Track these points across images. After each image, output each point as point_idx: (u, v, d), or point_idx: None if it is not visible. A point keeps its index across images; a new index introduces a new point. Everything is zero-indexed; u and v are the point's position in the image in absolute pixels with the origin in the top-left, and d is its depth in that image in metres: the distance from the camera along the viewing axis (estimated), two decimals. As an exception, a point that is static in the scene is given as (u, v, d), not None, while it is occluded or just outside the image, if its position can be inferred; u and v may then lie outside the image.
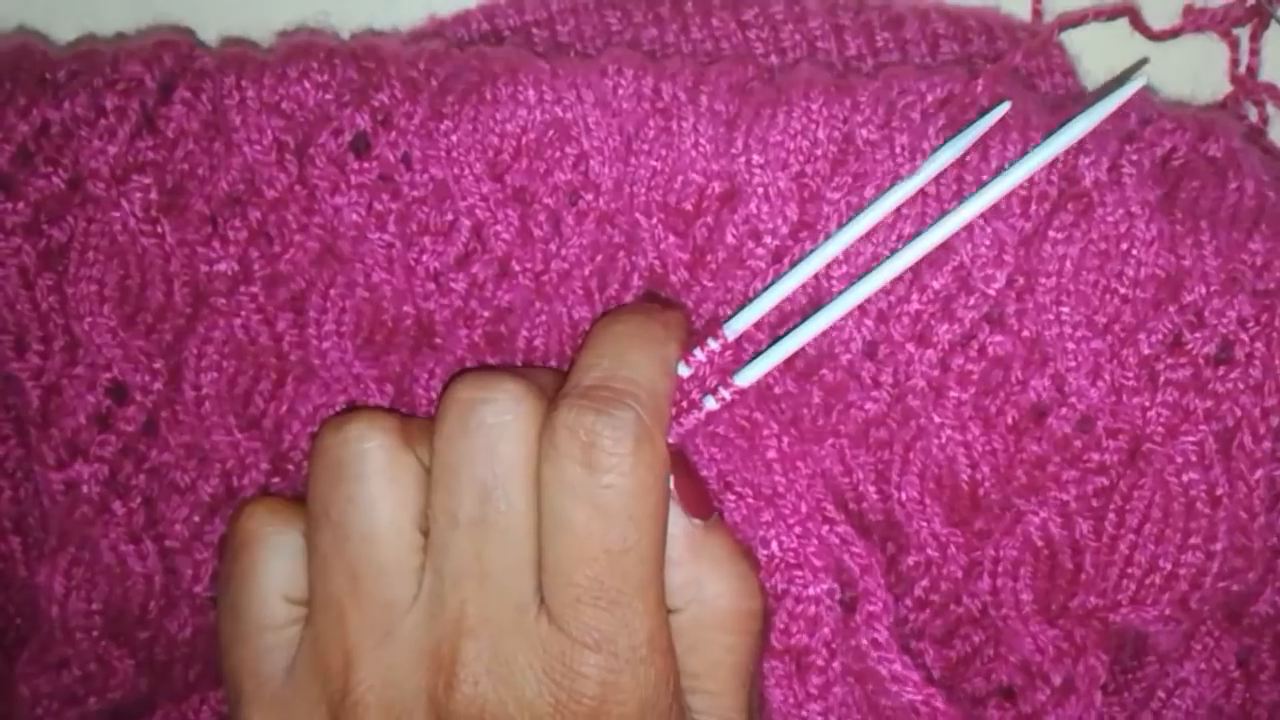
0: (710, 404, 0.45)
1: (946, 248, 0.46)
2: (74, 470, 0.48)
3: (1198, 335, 0.45)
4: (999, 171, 0.45)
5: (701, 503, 0.44)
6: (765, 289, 0.46)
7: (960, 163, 0.45)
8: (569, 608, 0.40)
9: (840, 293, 0.46)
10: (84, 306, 0.48)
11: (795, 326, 0.46)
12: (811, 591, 0.45)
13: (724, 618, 0.44)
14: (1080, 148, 0.45)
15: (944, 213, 0.45)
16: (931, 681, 0.47)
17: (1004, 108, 0.45)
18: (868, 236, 0.46)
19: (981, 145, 0.45)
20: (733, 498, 0.46)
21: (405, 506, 0.42)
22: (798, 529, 0.46)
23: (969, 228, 0.46)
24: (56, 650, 0.49)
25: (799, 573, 0.45)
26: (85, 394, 0.48)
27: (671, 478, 0.43)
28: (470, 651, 0.41)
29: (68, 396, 0.48)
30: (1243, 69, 0.51)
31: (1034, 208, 0.46)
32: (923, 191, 0.46)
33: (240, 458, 0.50)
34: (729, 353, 0.46)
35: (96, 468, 0.48)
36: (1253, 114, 0.51)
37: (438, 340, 0.49)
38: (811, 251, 0.46)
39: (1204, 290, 0.45)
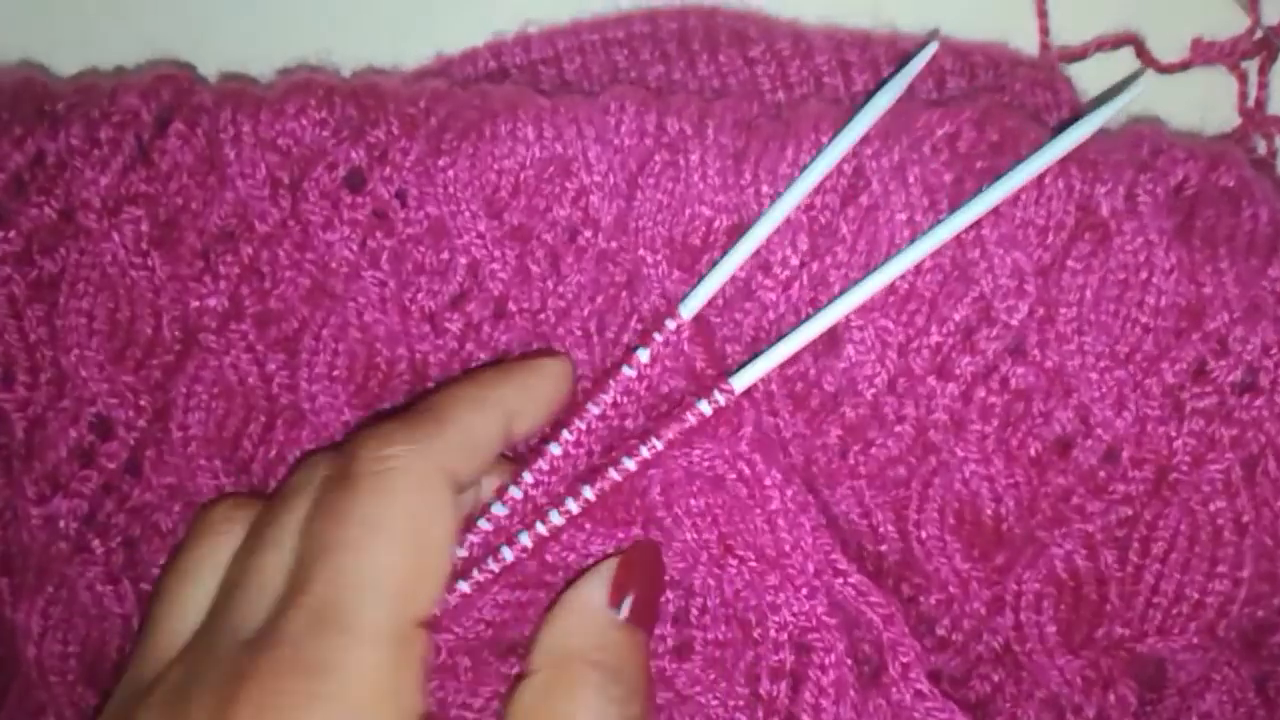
0: (704, 408, 0.44)
1: (966, 279, 0.45)
2: (53, 505, 0.47)
3: (1223, 363, 0.45)
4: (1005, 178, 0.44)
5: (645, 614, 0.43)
6: (716, 265, 0.46)
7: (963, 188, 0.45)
8: None
9: (838, 295, 0.45)
10: (72, 338, 0.46)
11: (792, 330, 0.45)
12: (832, 658, 0.44)
13: None
14: (1096, 177, 0.44)
15: (949, 213, 0.45)
16: None
17: (933, 48, 0.45)
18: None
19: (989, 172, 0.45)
20: (734, 562, 0.45)
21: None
22: (805, 590, 0.44)
23: (988, 258, 0.45)
24: (34, 696, 0.47)
25: (816, 636, 0.44)
26: (68, 427, 0.47)
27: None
28: None
29: (51, 429, 0.47)
30: (1251, 102, 0.51)
31: (1051, 238, 0.45)
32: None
33: (225, 503, 0.48)
34: (685, 334, 0.45)
35: (75, 503, 0.47)
36: (1261, 147, 0.51)
37: (431, 385, 0.48)
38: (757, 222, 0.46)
39: (1227, 318, 0.44)
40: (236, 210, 0.46)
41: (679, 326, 0.45)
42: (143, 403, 0.47)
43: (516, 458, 0.47)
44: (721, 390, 0.44)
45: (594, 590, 0.41)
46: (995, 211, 0.45)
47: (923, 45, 0.46)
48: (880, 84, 0.45)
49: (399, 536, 0.38)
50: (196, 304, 0.47)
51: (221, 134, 0.46)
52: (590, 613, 0.41)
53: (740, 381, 0.45)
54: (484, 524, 0.44)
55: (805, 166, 0.45)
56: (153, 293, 0.47)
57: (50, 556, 0.47)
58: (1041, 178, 0.45)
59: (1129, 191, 0.45)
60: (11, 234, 0.46)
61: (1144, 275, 0.45)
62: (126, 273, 0.46)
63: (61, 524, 0.47)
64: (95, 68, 0.50)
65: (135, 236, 0.46)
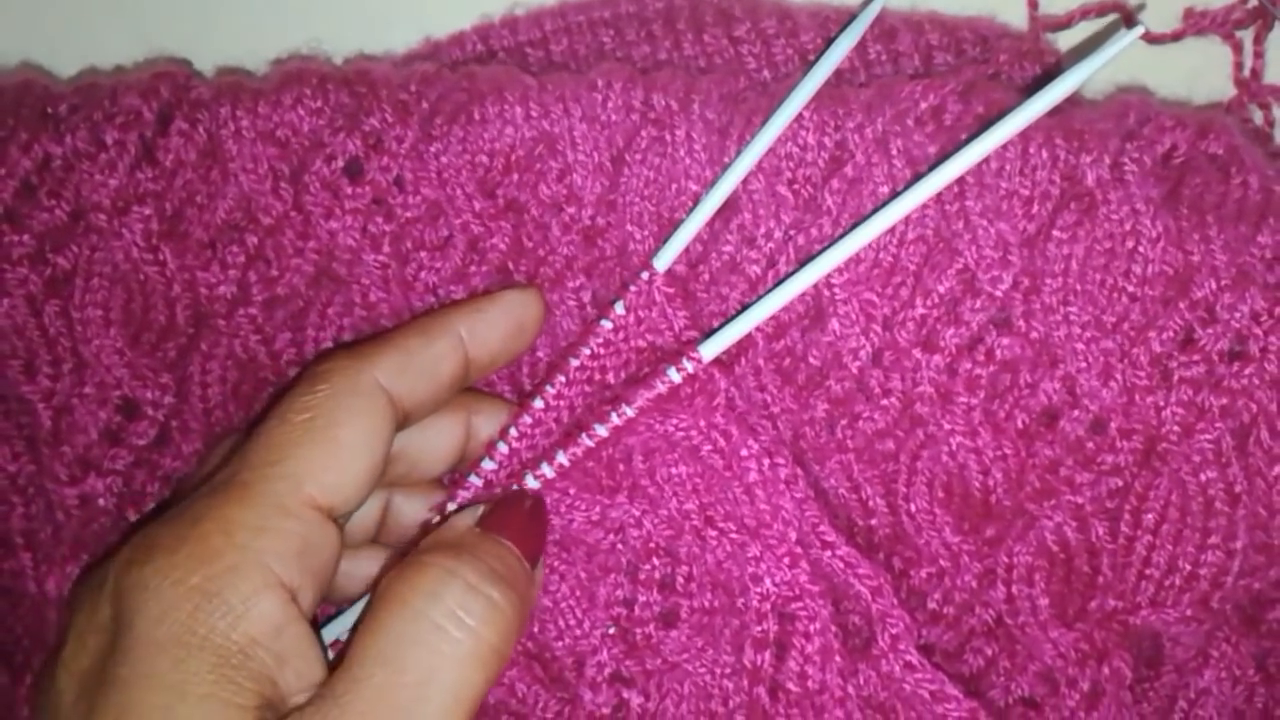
0: (673, 376, 0.45)
1: (950, 251, 0.45)
2: (88, 485, 0.49)
3: (1210, 331, 0.44)
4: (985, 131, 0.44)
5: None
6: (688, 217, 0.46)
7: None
8: None
9: (811, 257, 0.45)
10: (91, 330, 0.48)
11: (762, 296, 0.45)
12: (816, 625, 0.44)
13: None
14: (1082, 146, 0.44)
15: (927, 170, 0.45)
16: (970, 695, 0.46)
17: (879, 4, 0.46)
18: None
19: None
20: (715, 533, 0.45)
21: None
22: (787, 559, 0.45)
23: (972, 230, 0.45)
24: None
25: (800, 605, 0.44)
26: (96, 411, 0.49)
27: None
28: None
29: (78, 415, 0.49)
30: (1246, 72, 0.50)
31: (1036, 208, 0.45)
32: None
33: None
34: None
35: (111, 480, 0.49)
36: (1258, 117, 0.51)
37: None
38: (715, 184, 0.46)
39: (1214, 285, 0.44)
40: (240, 203, 0.48)
41: (651, 278, 0.46)
42: (164, 380, 0.49)
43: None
44: (690, 358, 0.45)
45: (459, 517, 0.43)
46: (979, 182, 0.45)
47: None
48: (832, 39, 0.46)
49: (313, 427, 0.40)
50: (206, 292, 0.48)
51: (222, 130, 0.47)
52: (451, 524, 0.43)
53: (709, 349, 0.45)
54: (474, 479, 0.46)
55: (765, 120, 0.46)
56: (164, 284, 0.48)
57: (89, 532, 0.49)
58: (1025, 147, 0.45)
59: (1115, 160, 0.45)
60: (25, 237, 0.47)
61: (1130, 244, 0.45)
62: (139, 267, 0.48)
63: (101, 501, 0.49)
64: (94, 66, 0.51)
65: (145, 233, 0.48)
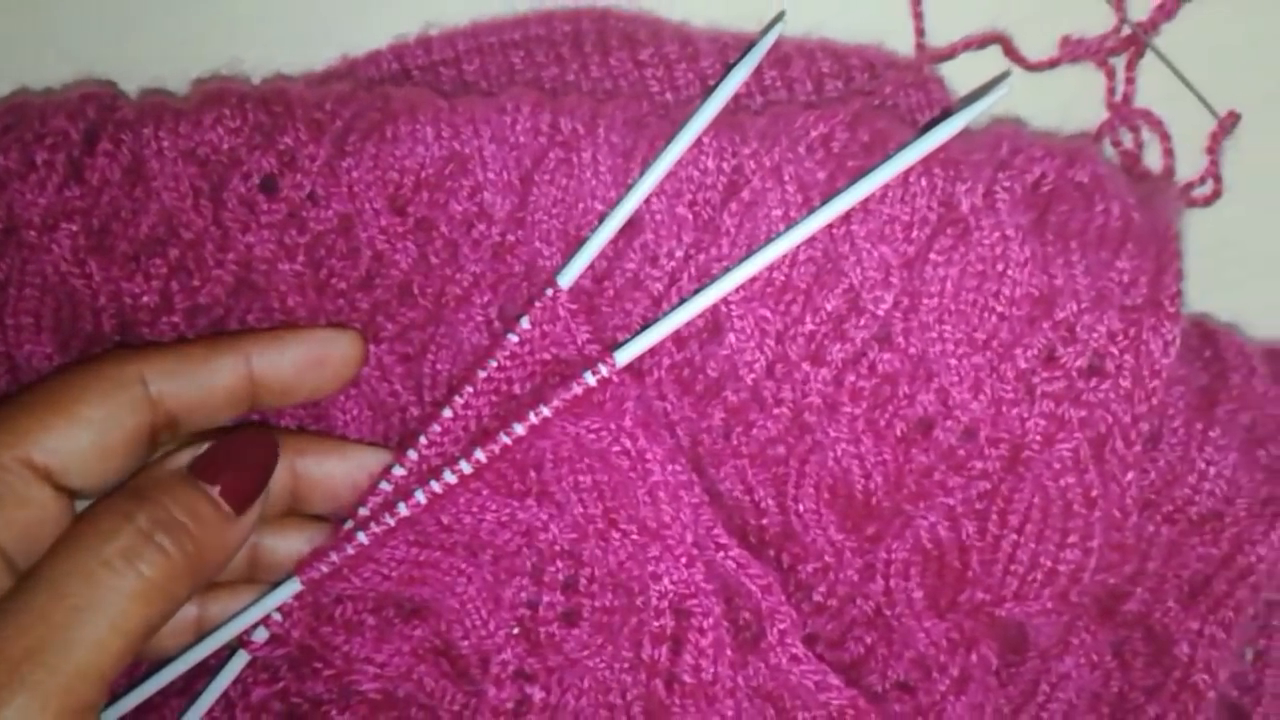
0: (589, 379, 0.48)
1: (837, 272, 0.49)
2: None
3: (1071, 349, 0.48)
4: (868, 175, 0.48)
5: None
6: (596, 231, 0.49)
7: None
8: None
9: (719, 275, 0.48)
10: (23, 336, 0.50)
11: (673, 308, 0.49)
12: (710, 621, 0.48)
13: None
14: (958, 175, 0.47)
15: (821, 203, 0.48)
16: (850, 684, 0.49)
17: (774, 34, 0.50)
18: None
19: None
20: (618, 535, 0.49)
21: None
22: (684, 559, 0.48)
23: (857, 252, 0.48)
24: None
25: (695, 602, 0.48)
26: None
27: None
28: None
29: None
30: (1119, 97, 0.54)
31: (916, 232, 0.48)
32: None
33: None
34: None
35: None
36: (1128, 139, 0.54)
37: None
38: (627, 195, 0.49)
39: (1075, 307, 0.48)
40: (163, 219, 0.50)
41: (555, 294, 0.49)
42: None
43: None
44: (605, 364, 0.48)
45: (179, 456, 0.46)
46: (864, 208, 0.48)
47: (772, 23, 0.51)
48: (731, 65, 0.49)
49: (55, 398, 0.44)
50: (131, 302, 0.50)
51: (145, 149, 0.49)
52: (160, 463, 0.46)
53: (623, 356, 0.48)
54: (385, 485, 0.49)
55: (667, 144, 0.48)
56: (91, 295, 0.50)
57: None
58: (906, 176, 0.48)
59: (988, 189, 0.48)
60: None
61: (1000, 268, 0.48)
62: (67, 280, 0.50)
63: None
64: (25, 86, 0.53)
65: (73, 248, 0.50)
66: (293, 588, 0.48)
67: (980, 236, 0.48)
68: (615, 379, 0.48)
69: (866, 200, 0.48)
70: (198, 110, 0.49)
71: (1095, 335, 0.48)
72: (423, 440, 0.49)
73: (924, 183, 0.48)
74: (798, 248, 0.49)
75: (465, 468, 0.48)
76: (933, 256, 0.48)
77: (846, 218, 0.48)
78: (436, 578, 0.50)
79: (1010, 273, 0.48)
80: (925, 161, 0.48)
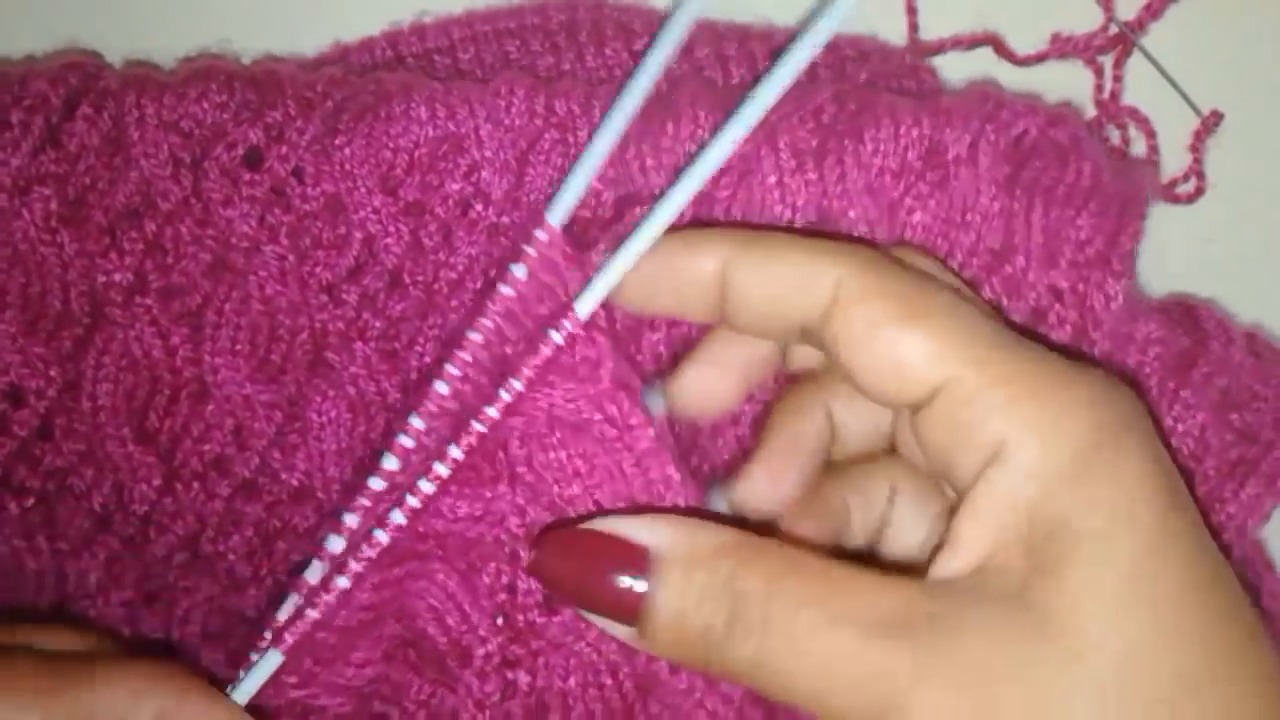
0: (555, 338, 0.44)
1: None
2: None
3: (1015, 305, 0.48)
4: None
5: None
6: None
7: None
8: None
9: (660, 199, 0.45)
10: None
11: (619, 248, 0.45)
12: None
13: None
14: (947, 122, 0.47)
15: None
16: None
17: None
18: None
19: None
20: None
21: None
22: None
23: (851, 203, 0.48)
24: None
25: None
26: None
27: None
28: None
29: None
30: (1106, 94, 0.54)
31: (901, 181, 0.48)
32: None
33: (133, 469, 0.50)
34: None
35: None
36: (1115, 137, 0.54)
37: (331, 355, 0.50)
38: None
39: (1023, 262, 0.47)
40: (140, 189, 0.48)
41: (549, 235, 0.45)
42: (52, 373, 0.49)
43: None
44: (567, 319, 0.44)
45: None
46: (856, 161, 0.48)
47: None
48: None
49: None
50: (103, 279, 0.49)
51: (126, 116, 0.48)
52: None
53: (583, 307, 0.44)
54: (375, 483, 0.45)
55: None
56: (61, 268, 0.49)
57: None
58: (897, 126, 0.47)
59: (974, 139, 0.48)
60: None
61: (968, 217, 0.48)
62: (36, 249, 0.48)
63: None
64: (7, 57, 0.52)
65: (45, 214, 0.48)
66: (275, 661, 0.45)
67: (957, 186, 0.48)
68: (582, 335, 0.45)
69: (859, 154, 0.47)
70: (183, 84, 0.48)
71: (1037, 292, 0.48)
72: (418, 422, 0.45)
73: (914, 133, 0.48)
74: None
75: (443, 471, 0.45)
76: (908, 201, 0.48)
77: (842, 174, 0.48)
78: (412, 585, 0.47)
79: (976, 224, 0.48)
80: (913, 110, 0.47)
